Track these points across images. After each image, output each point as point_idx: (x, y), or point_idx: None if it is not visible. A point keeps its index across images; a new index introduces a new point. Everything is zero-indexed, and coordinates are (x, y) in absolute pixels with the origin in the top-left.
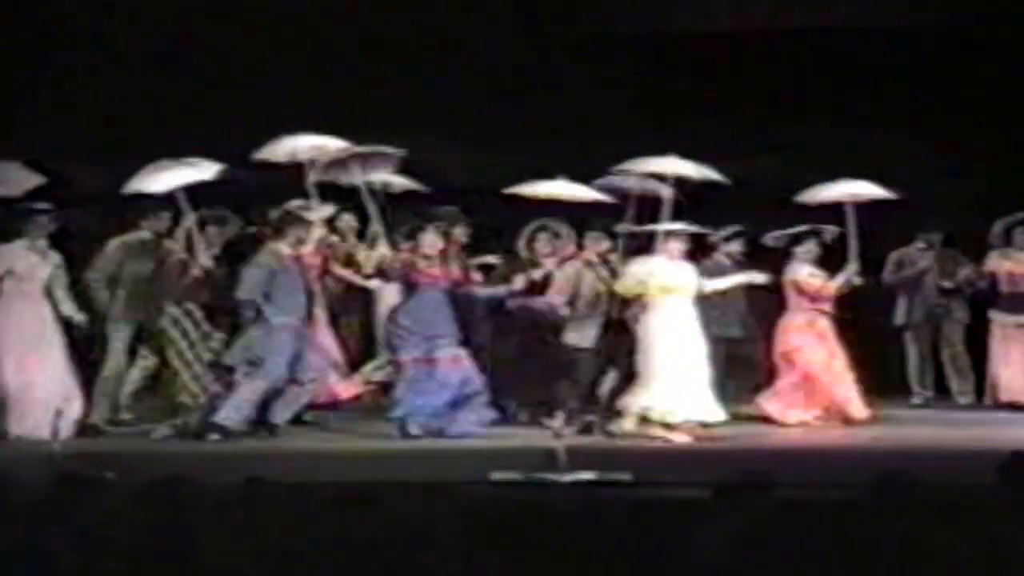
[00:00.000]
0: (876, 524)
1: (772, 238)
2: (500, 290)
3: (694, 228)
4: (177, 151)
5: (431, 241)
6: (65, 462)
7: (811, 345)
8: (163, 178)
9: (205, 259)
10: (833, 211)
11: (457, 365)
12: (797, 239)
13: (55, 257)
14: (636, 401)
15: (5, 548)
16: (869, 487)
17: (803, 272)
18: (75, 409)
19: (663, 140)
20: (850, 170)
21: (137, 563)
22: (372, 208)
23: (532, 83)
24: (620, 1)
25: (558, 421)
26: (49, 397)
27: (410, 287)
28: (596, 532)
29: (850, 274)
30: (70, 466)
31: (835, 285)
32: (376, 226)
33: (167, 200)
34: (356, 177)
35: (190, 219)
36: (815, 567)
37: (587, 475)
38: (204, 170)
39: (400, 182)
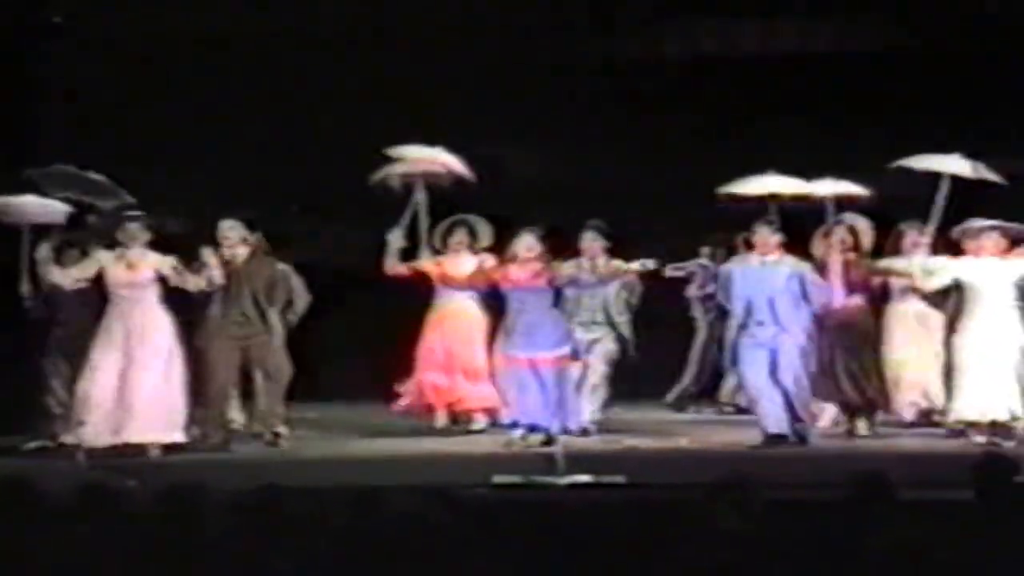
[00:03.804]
0: (861, 525)
1: None
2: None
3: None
4: None
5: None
6: (89, 471)
7: None
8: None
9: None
10: None
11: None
12: None
13: (159, 261)
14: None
15: (30, 555)
16: (852, 488)
17: None
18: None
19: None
20: None
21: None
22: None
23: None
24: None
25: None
26: (145, 406)
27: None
28: (594, 533)
29: None
30: (94, 475)
31: None
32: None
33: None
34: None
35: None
36: (804, 568)
37: (584, 478)
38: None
39: None
